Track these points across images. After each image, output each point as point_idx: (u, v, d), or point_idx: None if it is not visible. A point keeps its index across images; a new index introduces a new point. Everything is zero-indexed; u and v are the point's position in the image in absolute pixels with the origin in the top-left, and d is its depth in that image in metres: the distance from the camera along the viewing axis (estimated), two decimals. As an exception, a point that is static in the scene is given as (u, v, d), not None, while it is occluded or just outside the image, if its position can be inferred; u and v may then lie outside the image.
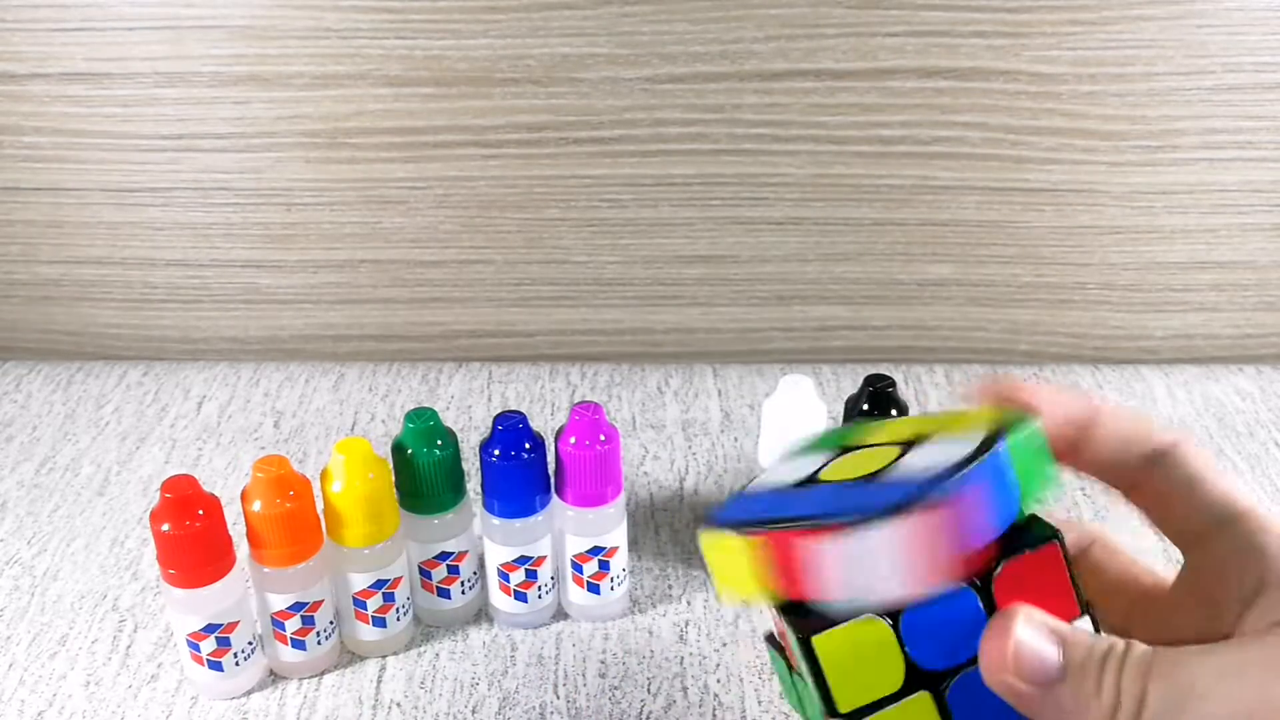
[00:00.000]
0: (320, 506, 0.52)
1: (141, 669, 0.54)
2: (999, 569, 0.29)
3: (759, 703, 0.52)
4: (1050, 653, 0.27)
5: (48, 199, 0.76)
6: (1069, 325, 0.79)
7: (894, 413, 0.54)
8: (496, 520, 0.53)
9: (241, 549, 0.51)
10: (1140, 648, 0.27)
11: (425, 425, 0.52)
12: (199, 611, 0.50)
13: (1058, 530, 0.30)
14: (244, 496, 0.50)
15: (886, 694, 0.29)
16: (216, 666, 0.51)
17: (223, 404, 0.75)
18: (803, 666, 0.29)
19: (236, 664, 0.52)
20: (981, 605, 0.29)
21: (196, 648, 0.51)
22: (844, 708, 0.29)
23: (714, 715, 0.51)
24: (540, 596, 0.55)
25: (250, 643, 0.52)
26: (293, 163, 0.74)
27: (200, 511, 0.48)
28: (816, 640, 0.29)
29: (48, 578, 0.60)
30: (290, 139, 0.73)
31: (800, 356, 0.81)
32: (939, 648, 0.29)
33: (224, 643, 0.51)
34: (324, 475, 0.51)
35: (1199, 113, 0.71)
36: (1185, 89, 0.70)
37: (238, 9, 0.69)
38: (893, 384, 0.54)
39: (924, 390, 0.76)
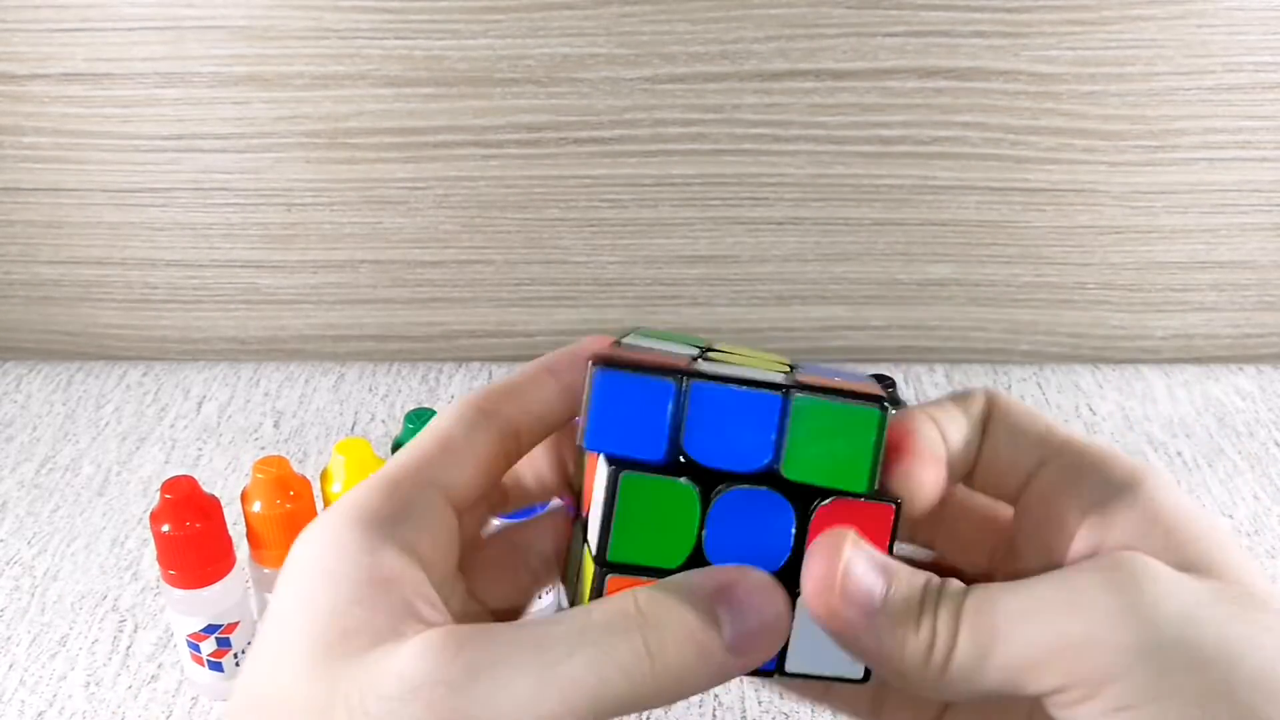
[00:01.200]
0: (320, 507, 0.52)
1: (142, 669, 0.54)
2: (829, 500, 0.28)
3: (759, 703, 0.52)
4: (876, 581, 0.26)
5: (48, 199, 0.76)
6: (1069, 325, 0.79)
7: (893, 412, 0.54)
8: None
9: (242, 549, 0.51)
10: (955, 585, 0.26)
11: (425, 425, 0.52)
12: (199, 612, 0.50)
13: (900, 500, 0.28)
14: (244, 497, 0.50)
15: (659, 565, 0.28)
16: (217, 667, 0.51)
17: (223, 404, 0.75)
18: (596, 509, 0.28)
19: (237, 664, 0.52)
20: (794, 527, 0.28)
21: (197, 648, 0.51)
22: (613, 556, 0.28)
23: (714, 715, 0.51)
24: (541, 597, 0.55)
25: (250, 643, 0.52)
26: (293, 163, 0.74)
27: (200, 513, 0.48)
28: (625, 478, 0.27)
29: (48, 578, 0.60)
30: (290, 139, 0.73)
31: (800, 356, 0.80)
32: (735, 546, 0.28)
33: (224, 643, 0.51)
34: (324, 476, 0.51)
35: (1199, 113, 0.71)
36: (1185, 89, 0.70)
37: (238, 9, 0.69)
38: (893, 384, 0.54)
39: (924, 390, 0.76)
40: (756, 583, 0.25)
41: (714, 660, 0.24)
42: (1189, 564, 0.25)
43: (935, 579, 0.26)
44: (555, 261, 0.77)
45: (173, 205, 0.76)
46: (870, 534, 0.28)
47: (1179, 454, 0.69)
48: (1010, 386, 0.76)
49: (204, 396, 0.76)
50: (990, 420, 0.29)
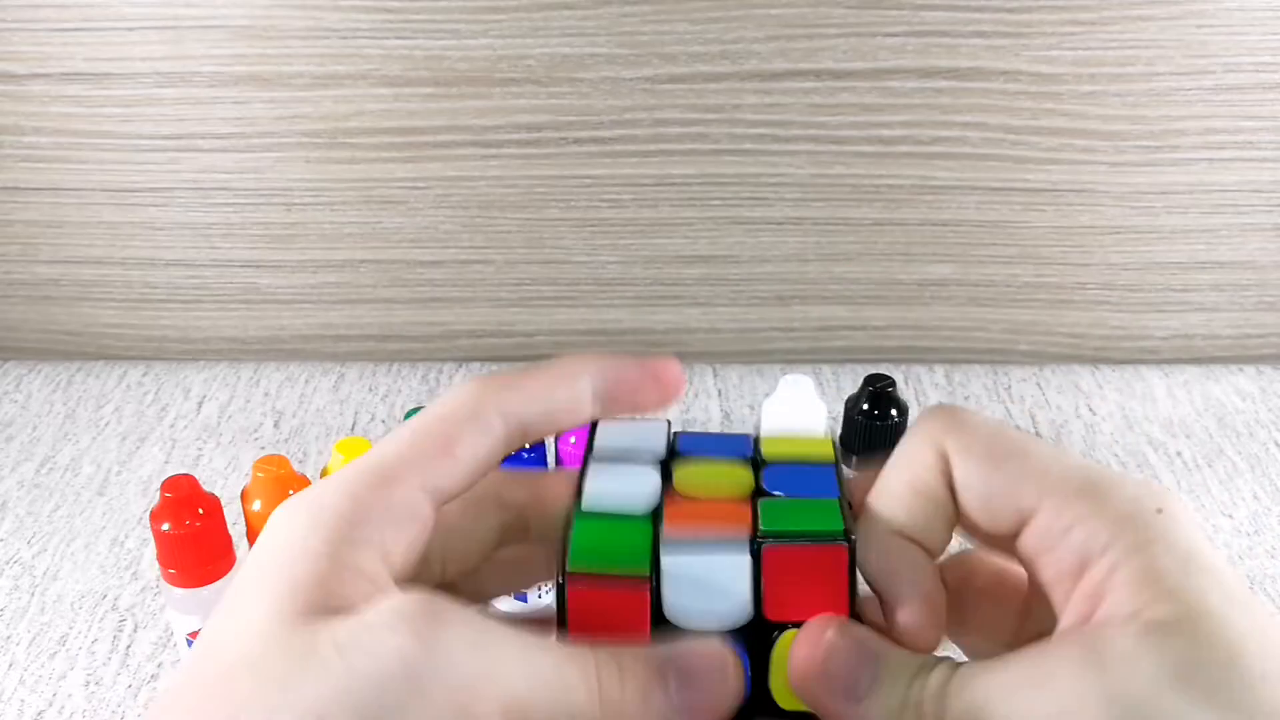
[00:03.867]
0: (320, 506, 0.51)
1: (141, 669, 0.54)
2: (775, 543, 0.27)
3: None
4: (861, 669, 0.26)
5: (48, 199, 0.76)
6: (1069, 325, 0.79)
7: (893, 412, 0.54)
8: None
9: (242, 549, 0.51)
10: (942, 666, 0.25)
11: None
12: (199, 611, 0.50)
13: (853, 539, 0.27)
14: (244, 497, 0.50)
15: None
16: (216, 666, 0.51)
17: (223, 404, 0.75)
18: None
19: (236, 664, 0.52)
20: (750, 573, 0.27)
21: (196, 648, 0.51)
22: (573, 565, 0.27)
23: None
24: (541, 596, 0.55)
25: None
26: (293, 163, 0.74)
27: (200, 511, 0.48)
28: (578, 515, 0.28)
29: (48, 577, 0.60)
30: (290, 139, 0.73)
31: (800, 356, 0.81)
32: (693, 604, 0.27)
33: (224, 643, 0.51)
34: (324, 475, 0.51)
35: (1199, 113, 0.71)
36: (1185, 89, 0.70)
37: (238, 9, 0.69)
38: (893, 384, 0.54)
39: (924, 390, 0.76)
40: (710, 656, 0.26)
41: (657, 707, 0.25)
42: (1176, 619, 0.24)
43: (927, 658, 0.26)
44: (555, 261, 0.77)
45: (173, 205, 0.76)
46: (828, 578, 0.27)
47: (1179, 454, 0.69)
48: (1010, 386, 0.76)
49: (204, 396, 0.76)
50: (954, 456, 0.28)
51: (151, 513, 0.48)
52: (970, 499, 0.27)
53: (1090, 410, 0.74)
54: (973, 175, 0.73)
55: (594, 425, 0.32)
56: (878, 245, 0.76)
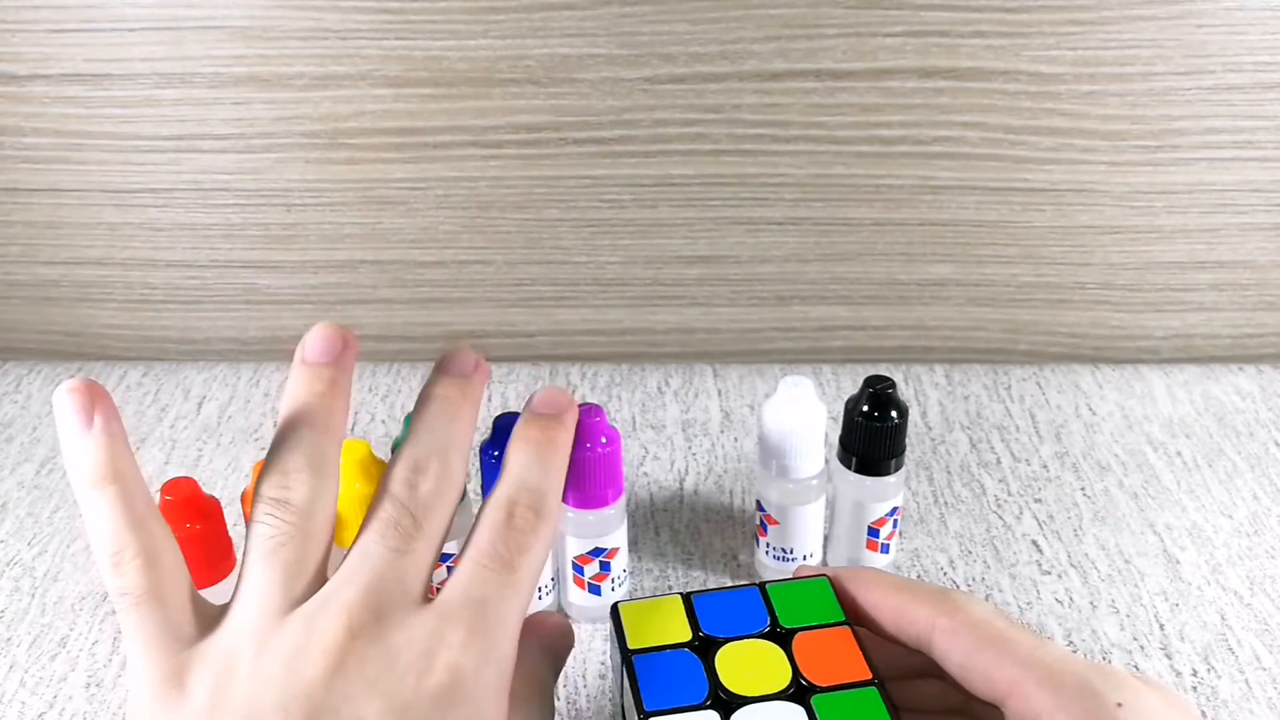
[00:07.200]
0: (321, 508, 0.51)
1: (142, 670, 0.54)
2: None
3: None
4: None
5: (48, 200, 0.76)
6: (1069, 325, 0.79)
7: (893, 413, 0.54)
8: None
9: (242, 551, 0.51)
10: None
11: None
12: (199, 613, 0.50)
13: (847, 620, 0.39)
14: (244, 499, 0.50)
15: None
16: (217, 668, 0.51)
17: (223, 404, 0.75)
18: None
19: (237, 665, 0.52)
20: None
21: (197, 649, 0.51)
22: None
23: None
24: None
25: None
26: (293, 163, 0.74)
27: (201, 514, 0.48)
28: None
29: (48, 579, 0.60)
30: (290, 139, 0.73)
31: (800, 356, 0.81)
32: None
33: (224, 644, 0.51)
34: (324, 477, 0.51)
35: (1199, 113, 0.71)
36: (1185, 89, 0.70)
37: (238, 9, 0.69)
38: (893, 384, 0.54)
39: (924, 390, 0.76)
40: None
41: None
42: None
43: None
44: (555, 261, 0.77)
45: (173, 205, 0.76)
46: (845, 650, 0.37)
47: (1179, 454, 0.69)
48: (1010, 386, 0.76)
49: (204, 397, 0.76)
50: (939, 634, 0.35)
51: (152, 514, 0.48)
52: (951, 668, 0.33)
53: (1090, 410, 0.74)
54: (972, 175, 0.73)
55: (615, 608, 0.42)
56: (878, 245, 0.76)
